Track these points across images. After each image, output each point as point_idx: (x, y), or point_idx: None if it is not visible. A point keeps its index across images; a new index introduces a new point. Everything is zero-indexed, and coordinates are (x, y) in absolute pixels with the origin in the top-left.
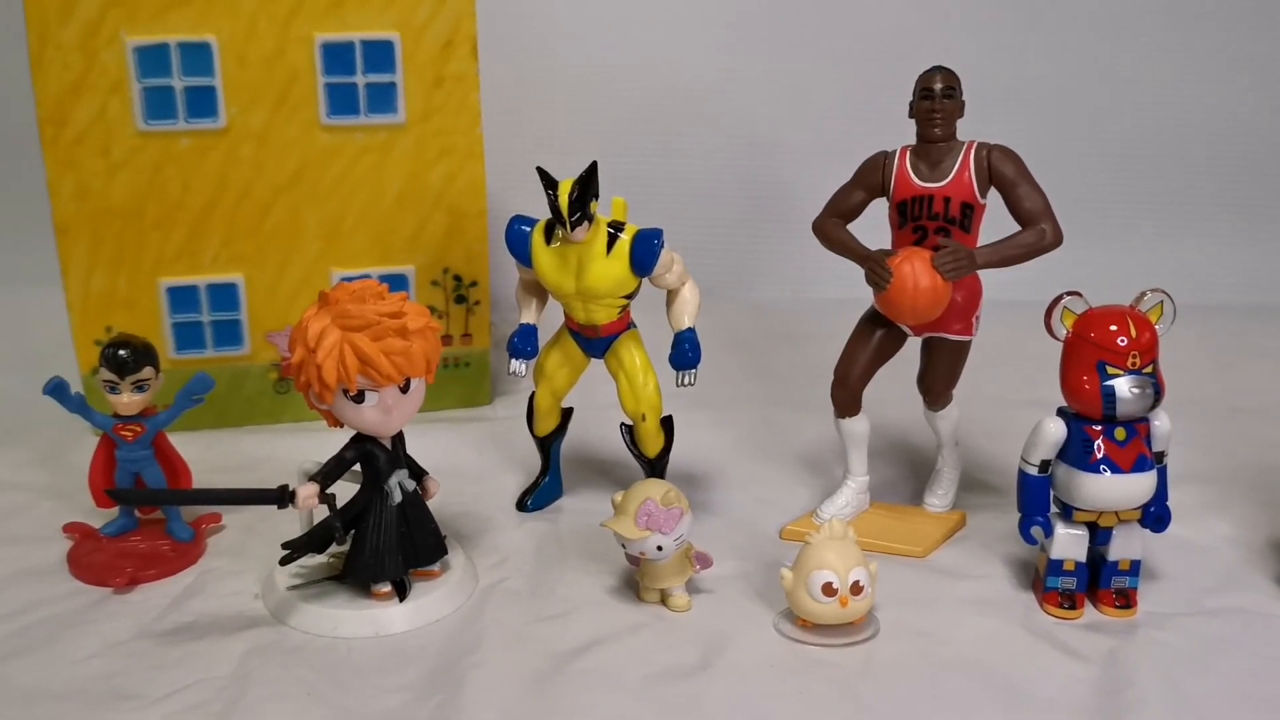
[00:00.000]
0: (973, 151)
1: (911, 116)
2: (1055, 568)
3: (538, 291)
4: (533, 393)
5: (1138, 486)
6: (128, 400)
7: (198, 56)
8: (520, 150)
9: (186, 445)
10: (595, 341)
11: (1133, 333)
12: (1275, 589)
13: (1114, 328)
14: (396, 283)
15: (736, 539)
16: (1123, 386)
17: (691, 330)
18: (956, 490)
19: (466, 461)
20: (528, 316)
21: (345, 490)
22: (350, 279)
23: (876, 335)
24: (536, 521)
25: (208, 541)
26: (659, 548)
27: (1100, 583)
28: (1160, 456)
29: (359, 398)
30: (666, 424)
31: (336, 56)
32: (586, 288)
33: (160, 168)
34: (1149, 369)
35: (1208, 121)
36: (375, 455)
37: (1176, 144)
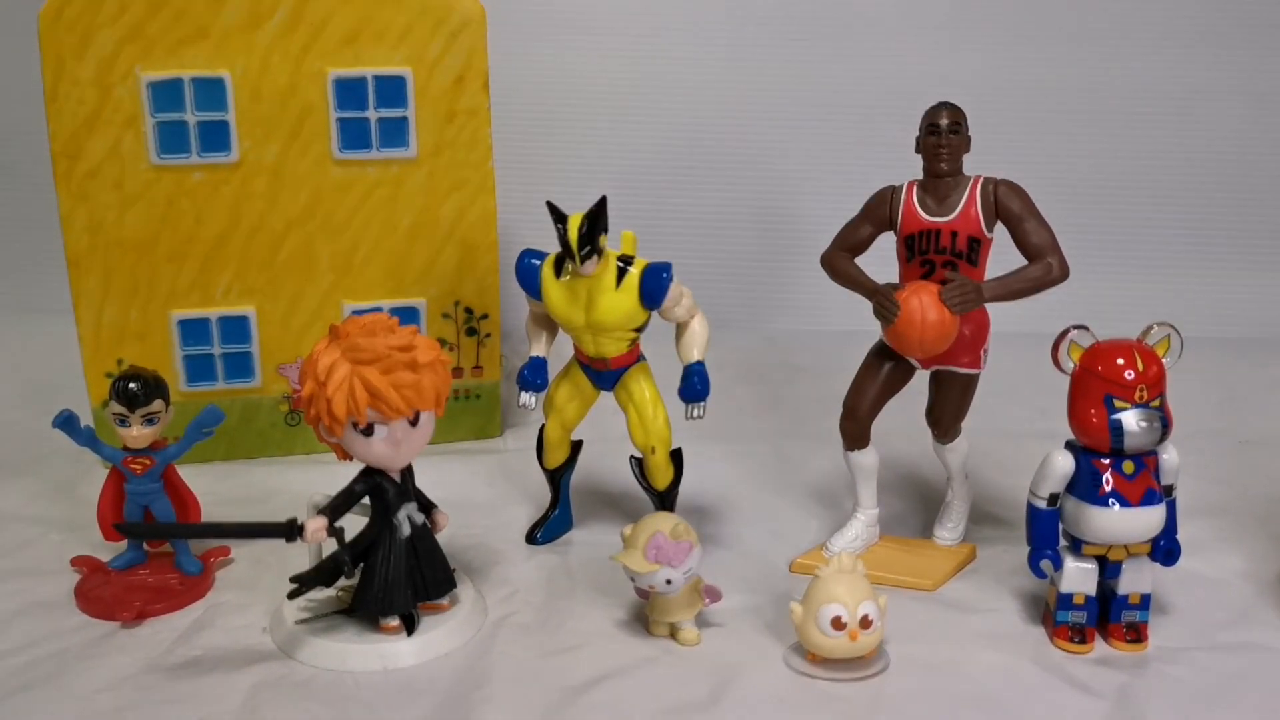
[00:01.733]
0: (979, 186)
1: (918, 152)
2: (1065, 601)
3: (547, 324)
4: (542, 425)
5: (1146, 520)
6: (137, 433)
7: (211, 92)
8: (532, 183)
9: (198, 477)
10: (605, 374)
11: (1140, 366)
12: None
13: (1121, 361)
14: (408, 315)
15: (747, 572)
16: (1130, 420)
17: (701, 363)
18: (966, 523)
19: (477, 494)
20: (537, 349)
21: (355, 523)
22: (361, 312)
23: (885, 368)
24: (546, 554)
25: (216, 575)
26: (668, 581)
27: (1110, 617)
28: (1169, 490)
29: (368, 431)
30: (676, 457)
31: (349, 92)
32: (596, 321)
33: (173, 201)
34: (1156, 402)
35: (1218, 152)
36: (384, 488)
37: (1185, 176)
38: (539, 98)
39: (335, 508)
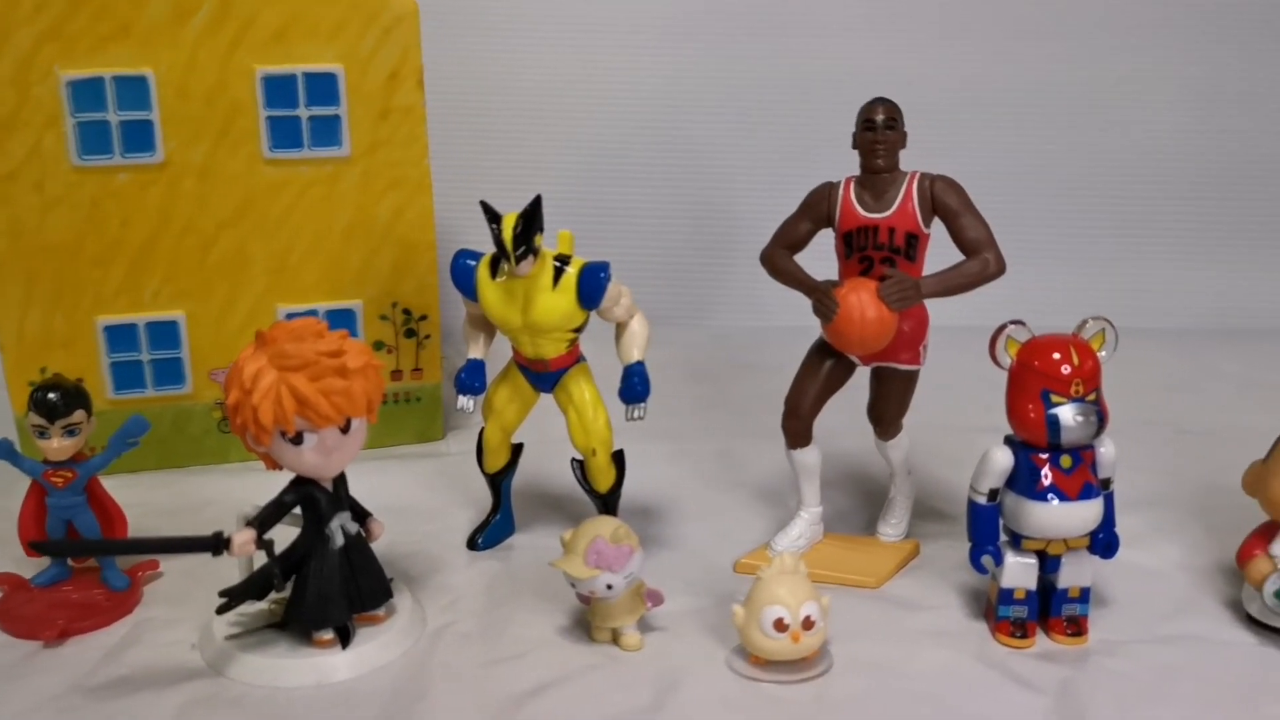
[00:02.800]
0: (916, 182)
1: (855, 148)
2: (1006, 597)
3: (485, 326)
4: (482, 429)
5: (1085, 514)
6: (58, 445)
7: (135, 90)
8: (471, 181)
9: (129, 487)
10: (544, 376)
11: (1075, 361)
12: (1226, 614)
13: (1057, 356)
14: (344, 317)
15: (691, 573)
16: (1067, 414)
17: (641, 363)
18: (910, 519)
19: (418, 499)
20: (475, 351)
21: (292, 534)
22: (296, 314)
23: (826, 366)
24: (488, 560)
25: (144, 589)
26: (609, 586)
27: (1051, 611)
28: (1106, 483)
29: (298, 439)
30: (618, 458)
31: (279, 89)
32: (533, 322)
33: (97, 203)
34: (1092, 397)
35: (1152, 147)
36: (316, 498)
37: (1120, 170)
38: (475, 94)
39: (264, 520)
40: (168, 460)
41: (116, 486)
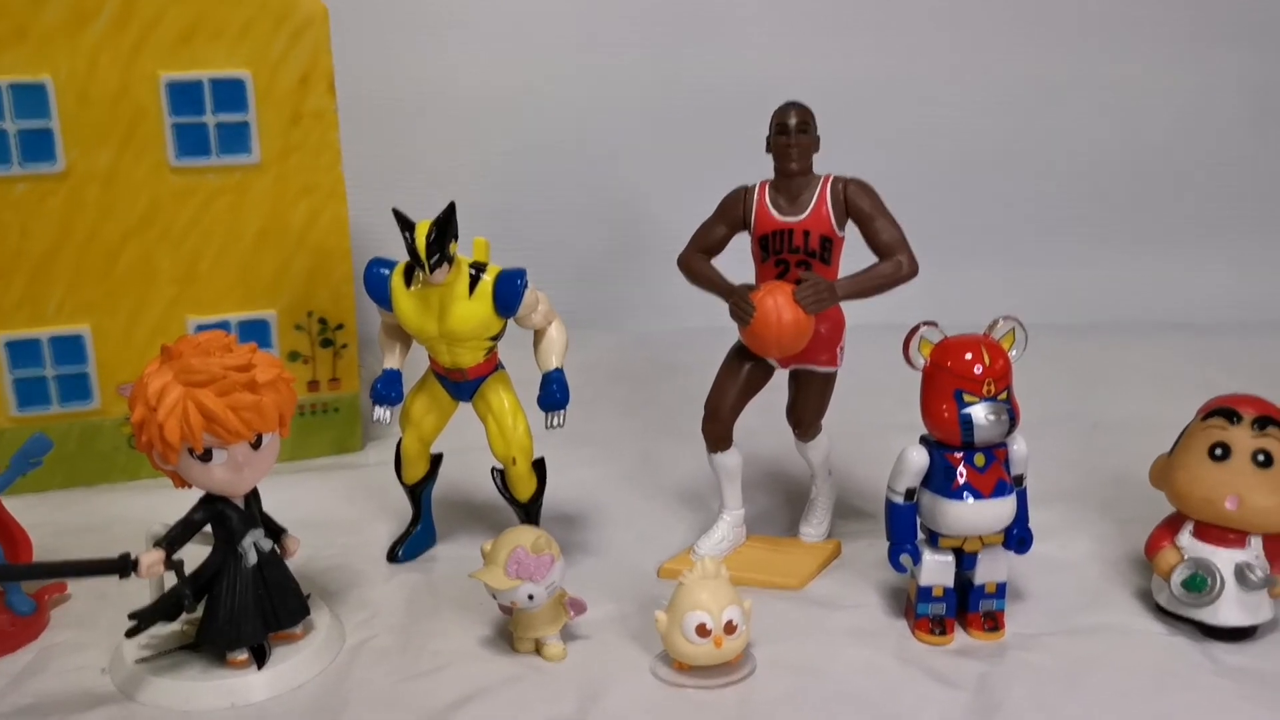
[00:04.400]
0: (829, 185)
1: (769, 151)
2: (924, 594)
3: (400, 335)
4: (400, 439)
5: (999, 511)
6: None
7: (32, 98)
8: (387, 187)
9: (35, 507)
10: (462, 385)
11: (986, 360)
12: (1137, 605)
13: (969, 356)
14: (258, 327)
15: (615, 580)
16: (979, 413)
17: (560, 370)
18: (831, 519)
19: (337, 512)
20: (391, 361)
21: (201, 553)
22: (207, 325)
23: (744, 369)
24: (408, 572)
25: (51, 613)
26: (530, 596)
27: (969, 607)
28: (1019, 480)
29: (206, 456)
30: (539, 467)
31: (184, 96)
32: (449, 330)
33: None
34: (1004, 395)
35: (1061, 142)
36: (227, 515)
37: (1029, 166)
38: (388, 98)
39: (173, 539)
40: (75, 478)
41: (21, 507)
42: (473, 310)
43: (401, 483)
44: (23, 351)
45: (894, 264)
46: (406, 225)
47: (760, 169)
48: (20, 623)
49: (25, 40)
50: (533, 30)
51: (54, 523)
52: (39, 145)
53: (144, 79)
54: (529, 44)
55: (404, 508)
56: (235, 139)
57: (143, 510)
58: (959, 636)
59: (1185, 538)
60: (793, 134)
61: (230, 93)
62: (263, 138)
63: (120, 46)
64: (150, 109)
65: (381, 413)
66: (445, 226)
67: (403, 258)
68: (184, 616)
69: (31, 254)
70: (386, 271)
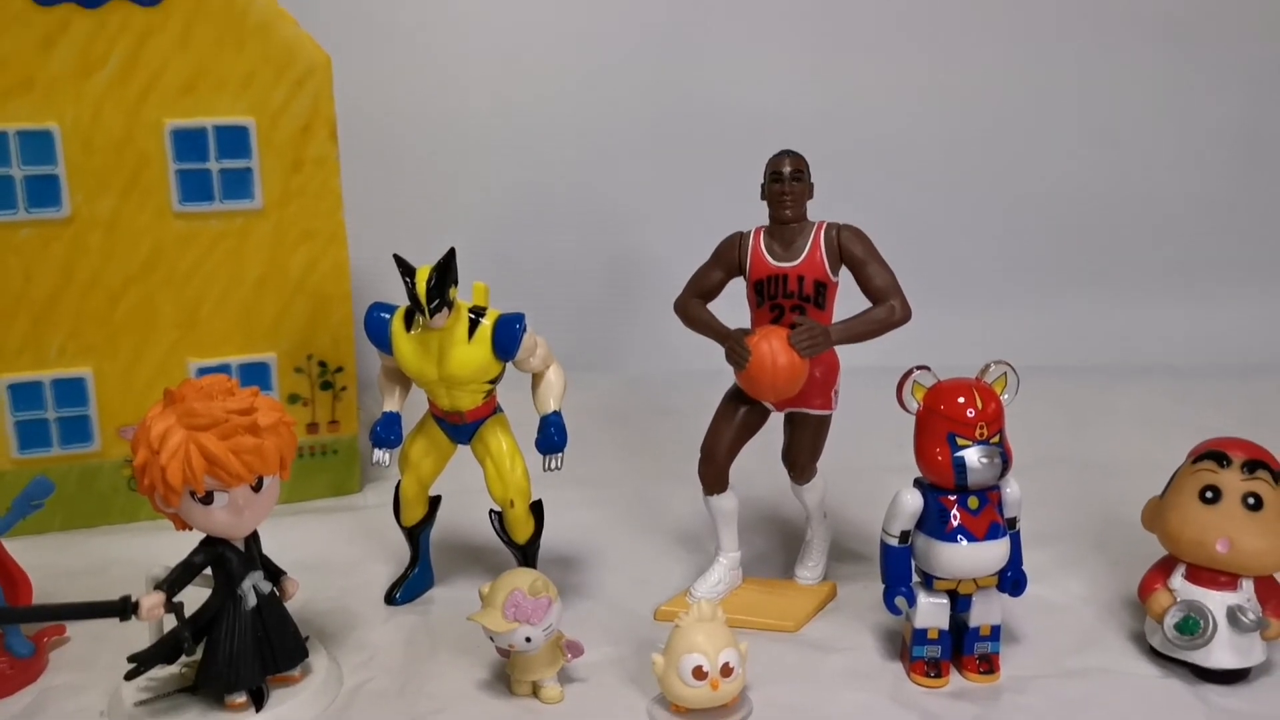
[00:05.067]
0: (823, 232)
1: (763, 198)
2: (920, 637)
3: (400, 379)
4: (399, 482)
5: (993, 553)
6: None
7: (39, 145)
8: (387, 232)
9: (34, 549)
10: (461, 428)
11: (979, 404)
12: (1130, 647)
13: (961, 400)
14: (258, 370)
15: (611, 622)
16: (972, 457)
17: (558, 413)
18: (826, 561)
19: (335, 553)
20: (391, 404)
21: (203, 595)
22: (208, 368)
23: (740, 412)
24: (406, 614)
25: (50, 655)
26: (528, 639)
27: (964, 649)
28: (1013, 522)
29: (208, 499)
30: (536, 509)
31: (188, 142)
32: (449, 374)
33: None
34: (996, 439)
35: (1050, 186)
36: (227, 558)
37: (1020, 210)
38: (388, 145)
39: (174, 582)
40: (74, 520)
41: (19, 549)
42: (472, 354)
43: (400, 525)
44: (25, 394)
45: (887, 309)
46: (407, 271)
47: (756, 214)
48: (19, 665)
49: (33, 89)
50: (532, 76)
51: (53, 565)
52: (44, 191)
53: (149, 126)
54: (527, 88)
55: (402, 550)
56: (238, 185)
57: (140, 552)
58: (954, 679)
59: (1178, 580)
60: (787, 182)
61: (234, 139)
62: (265, 183)
63: (125, 95)
64: (154, 155)
65: (381, 455)
66: (445, 272)
67: (402, 301)
68: (183, 659)
69: (35, 298)
70: (387, 316)
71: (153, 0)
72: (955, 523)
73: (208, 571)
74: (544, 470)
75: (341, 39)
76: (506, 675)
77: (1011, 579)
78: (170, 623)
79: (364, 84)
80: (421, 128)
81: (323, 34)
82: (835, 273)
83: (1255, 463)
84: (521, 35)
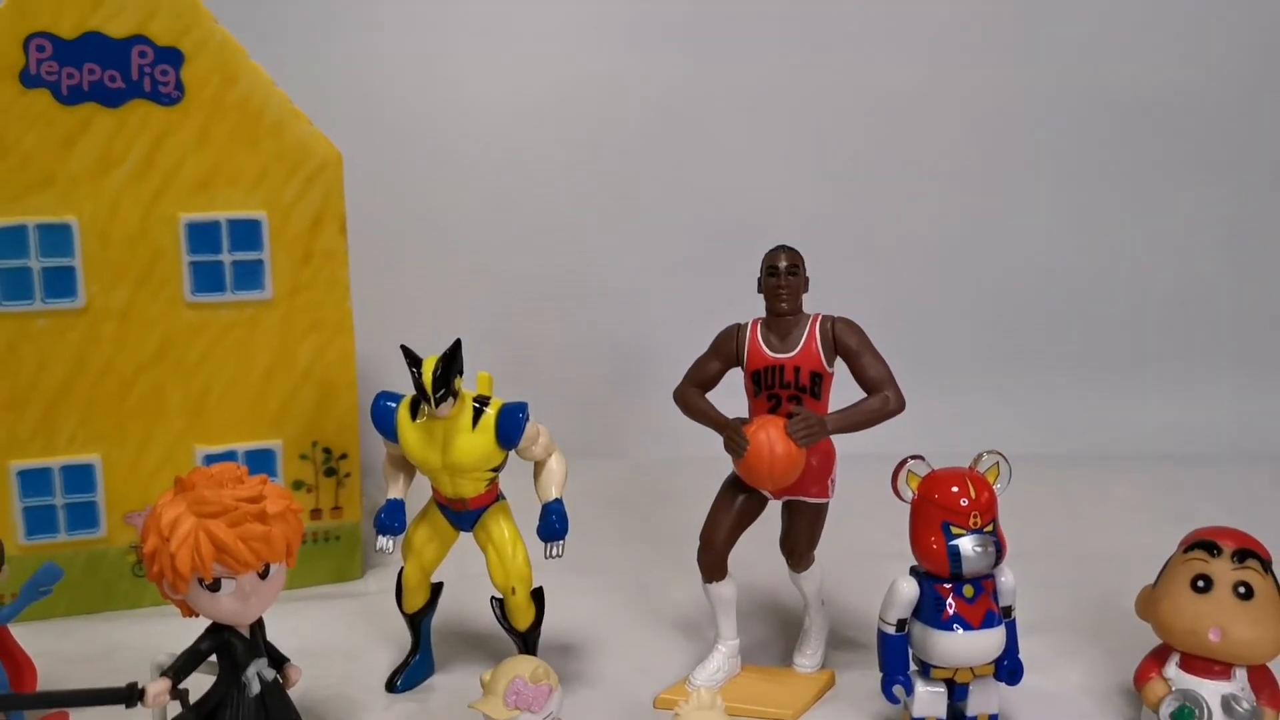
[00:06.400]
0: (818, 324)
1: (760, 292)
2: None
3: (405, 466)
4: (401, 569)
5: (988, 642)
6: None
7: (58, 238)
8: (392, 321)
9: (39, 635)
10: (464, 515)
11: (972, 493)
12: None
13: (955, 489)
14: (264, 457)
15: (612, 710)
16: (967, 545)
17: (559, 501)
18: (825, 649)
19: (336, 640)
20: (395, 491)
21: (206, 681)
22: (215, 455)
23: (738, 500)
24: (406, 702)
25: None
26: None
27: None
28: (1008, 611)
29: (215, 586)
30: (537, 596)
31: (202, 235)
32: (453, 462)
33: (14, 348)
34: (990, 527)
35: (1041, 275)
36: (233, 645)
37: (1011, 301)
38: (396, 237)
39: (179, 668)
40: (79, 606)
41: (25, 634)
42: (476, 443)
43: (401, 612)
44: (34, 480)
45: (881, 399)
46: (414, 361)
47: (753, 305)
48: None
49: (53, 185)
50: (532, 170)
51: (57, 650)
52: (61, 282)
53: (164, 220)
54: (530, 181)
55: (403, 636)
56: (249, 276)
57: (145, 638)
58: None
59: (1172, 669)
60: (783, 276)
61: (246, 232)
62: (275, 275)
63: (143, 190)
64: (168, 248)
65: (385, 542)
66: (451, 362)
67: (407, 390)
68: None
69: (48, 386)
70: (393, 405)
71: (173, 99)
72: (951, 611)
73: (212, 658)
74: (545, 558)
75: (352, 134)
76: None
77: (1008, 668)
78: (175, 709)
79: (372, 177)
80: (428, 222)
81: (334, 129)
82: (830, 364)
83: (1245, 552)
84: (525, 128)
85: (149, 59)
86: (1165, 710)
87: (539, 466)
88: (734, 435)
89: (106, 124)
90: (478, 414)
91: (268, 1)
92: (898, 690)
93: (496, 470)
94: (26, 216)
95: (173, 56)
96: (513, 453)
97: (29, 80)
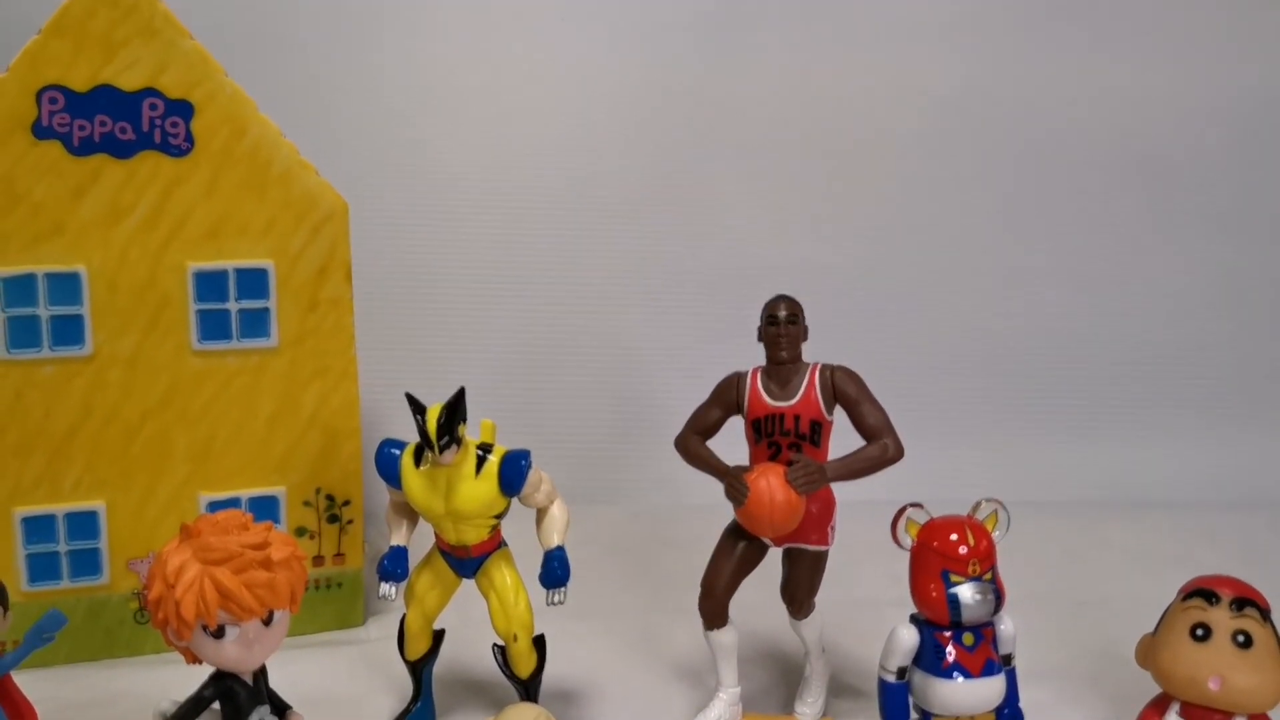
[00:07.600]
0: (817, 372)
1: (760, 340)
2: None
3: (408, 513)
4: (404, 615)
5: (988, 690)
6: None
7: (66, 286)
8: (397, 368)
9: (39, 682)
10: (466, 562)
11: (971, 541)
12: None
13: (954, 537)
14: (267, 503)
15: None
16: (966, 593)
17: (561, 548)
18: (826, 696)
19: (338, 687)
20: (398, 538)
21: None
22: (219, 502)
23: (739, 548)
24: None
25: None
26: None
27: None
28: (1008, 659)
29: (219, 633)
30: (539, 643)
31: (209, 284)
32: (456, 509)
33: (21, 394)
34: (989, 575)
35: (1039, 324)
36: (236, 692)
37: (1008, 349)
38: (401, 285)
39: (182, 716)
40: (80, 653)
41: (26, 681)
42: (479, 490)
43: (403, 659)
44: (38, 527)
45: (880, 447)
46: (418, 409)
47: (754, 354)
48: None
49: (62, 234)
50: (536, 218)
51: (58, 697)
52: (69, 330)
53: (172, 269)
54: (533, 233)
55: (404, 683)
56: (256, 324)
57: (147, 685)
58: None
59: (1173, 717)
60: (782, 325)
61: (253, 281)
62: (281, 323)
63: (151, 240)
64: (176, 296)
65: (387, 589)
66: (455, 410)
67: (410, 437)
68: None
69: (54, 432)
70: (397, 452)
71: (183, 151)
72: (951, 659)
73: (215, 706)
74: (547, 605)
75: (358, 184)
76: None
77: (1009, 716)
78: None
79: (379, 226)
80: (433, 271)
81: (340, 179)
82: (830, 412)
83: (1243, 600)
84: (530, 180)
85: (160, 111)
86: None
87: (541, 513)
88: (735, 483)
89: (117, 175)
90: (481, 461)
91: (277, 53)
92: None
93: (499, 517)
94: (36, 265)
95: (183, 109)
96: (515, 500)
97: (41, 132)
